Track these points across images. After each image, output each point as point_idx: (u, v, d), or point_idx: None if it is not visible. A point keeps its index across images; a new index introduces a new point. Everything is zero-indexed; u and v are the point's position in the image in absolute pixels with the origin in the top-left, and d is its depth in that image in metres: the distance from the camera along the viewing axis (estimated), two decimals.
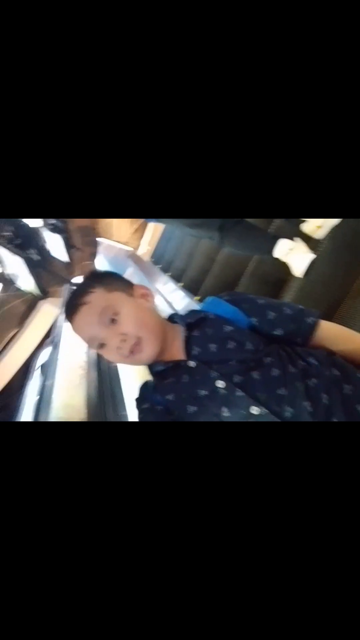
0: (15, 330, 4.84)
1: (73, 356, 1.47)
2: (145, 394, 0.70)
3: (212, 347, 0.63)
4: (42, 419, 1.11)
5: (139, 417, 0.67)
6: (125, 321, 0.64)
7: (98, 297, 0.66)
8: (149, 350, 0.64)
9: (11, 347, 4.49)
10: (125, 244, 4.18)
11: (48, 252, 2.63)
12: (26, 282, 1.95)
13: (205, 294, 2.04)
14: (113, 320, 0.63)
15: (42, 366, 1.87)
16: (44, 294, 1.97)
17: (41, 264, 2.04)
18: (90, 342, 0.66)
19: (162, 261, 3.13)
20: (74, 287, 0.75)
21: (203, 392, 0.60)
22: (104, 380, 1.33)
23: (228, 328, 0.65)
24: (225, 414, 0.57)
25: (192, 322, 0.68)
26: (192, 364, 0.63)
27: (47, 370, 1.42)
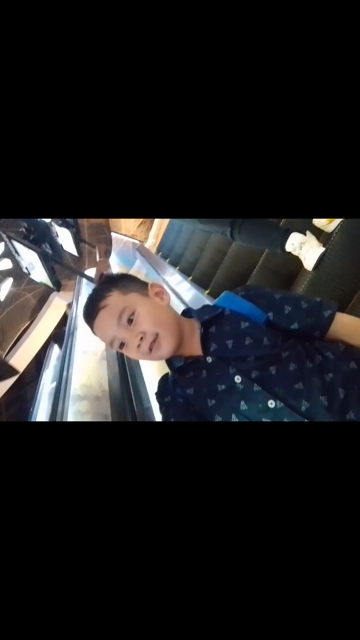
0: (27, 323, 4.92)
1: (89, 342, 1.52)
2: (166, 388, 0.72)
3: (229, 343, 0.65)
4: (60, 406, 1.15)
5: (162, 411, 0.70)
6: (142, 320, 0.66)
7: (115, 300, 0.68)
8: (167, 346, 0.66)
9: (24, 340, 4.58)
10: (132, 237, 4.21)
11: (60, 247, 2.67)
12: (40, 274, 2.00)
13: (216, 288, 2.05)
14: (131, 321, 0.66)
15: (59, 356, 1.92)
16: (57, 286, 2.03)
17: (54, 258, 2.09)
18: (111, 342, 0.68)
19: (172, 254, 3.13)
20: (91, 292, 0.76)
21: (222, 387, 0.62)
22: (123, 361, 1.37)
23: (245, 324, 0.66)
24: (243, 407, 0.60)
25: (208, 319, 0.70)
26: (209, 360, 0.65)
27: (65, 358, 1.46)
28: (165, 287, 0.73)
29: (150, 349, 0.65)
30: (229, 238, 1.42)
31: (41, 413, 2.21)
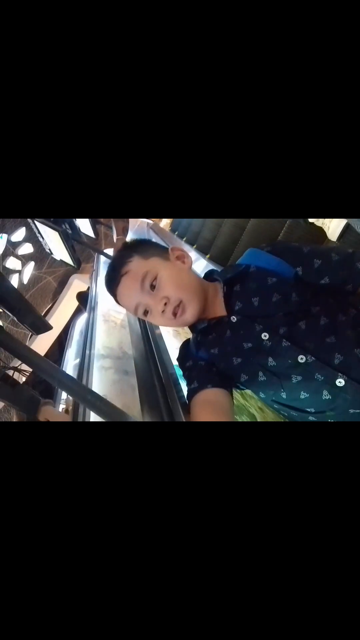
0: (49, 305, 5.08)
1: (110, 312, 1.58)
2: (187, 353, 0.71)
3: (255, 301, 0.62)
4: (85, 362, 1.20)
5: (185, 376, 0.69)
6: (165, 285, 0.64)
7: (136, 266, 0.66)
8: (191, 311, 0.64)
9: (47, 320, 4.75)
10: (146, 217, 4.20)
11: (78, 228, 2.70)
12: (62, 253, 2.07)
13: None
14: (153, 287, 0.64)
15: (82, 330, 1.99)
16: (77, 263, 2.09)
17: (74, 237, 2.15)
18: (135, 310, 0.67)
19: (188, 233, 3.09)
20: (112, 260, 0.75)
21: (248, 345, 0.61)
22: (144, 327, 1.40)
23: (272, 280, 0.62)
24: (271, 363, 0.58)
25: (232, 277, 0.66)
26: (234, 319, 0.63)
27: (87, 330, 1.52)
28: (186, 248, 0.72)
29: (175, 314, 0.63)
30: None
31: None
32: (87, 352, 1.25)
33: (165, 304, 0.63)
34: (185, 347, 0.74)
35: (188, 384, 0.66)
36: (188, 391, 0.65)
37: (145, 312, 0.67)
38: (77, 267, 2.12)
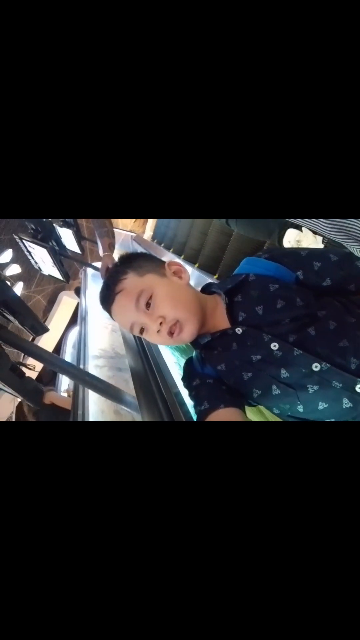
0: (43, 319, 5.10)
1: (100, 320, 1.62)
2: (192, 371, 0.67)
3: (259, 309, 0.59)
4: (81, 360, 1.24)
5: (192, 396, 0.63)
6: (161, 304, 0.61)
7: (131, 284, 0.63)
8: (189, 329, 0.61)
9: (38, 339, 4.74)
10: (130, 231, 4.29)
11: (64, 244, 2.79)
12: (51, 268, 2.16)
13: (225, 271, 1.99)
14: (149, 305, 0.61)
15: (74, 343, 2.04)
16: (66, 278, 2.17)
17: (61, 252, 2.25)
18: (131, 328, 0.64)
19: (174, 244, 3.10)
20: (106, 277, 0.71)
21: (257, 357, 0.57)
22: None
23: (274, 287, 0.59)
24: (284, 375, 0.54)
25: (232, 287, 0.63)
26: (239, 330, 0.59)
27: (80, 339, 1.54)
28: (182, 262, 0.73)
29: (171, 334, 0.60)
30: (227, 224, 1.41)
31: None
32: (82, 354, 1.29)
33: (161, 323, 0.60)
34: (189, 365, 0.69)
35: (197, 405, 0.60)
36: (198, 413, 0.59)
37: (142, 331, 0.64)
38: (66, 281, 2.20)
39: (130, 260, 0.68)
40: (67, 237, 2.58)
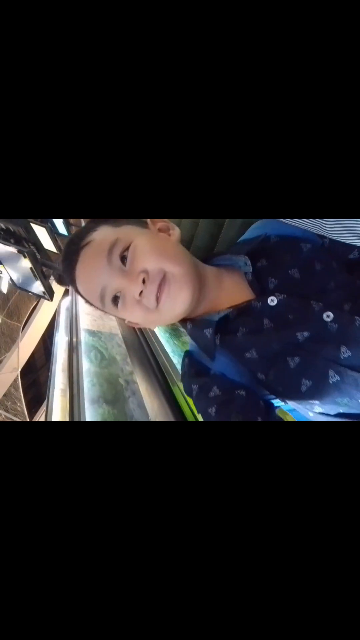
0: (35, 302, 5.20)
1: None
2: (199, 366, 0.48)
3: (294, 272, 0.45)
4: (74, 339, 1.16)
5: (198, 397, 0.46)
6: (142, 255, 0.44)
7: (103, 233, 0.47)
8: (183, 292, 0.43)
9: (31, 321, 4.71)
10: None
11: (45, 250, 2.55)
12: (31, 282, 1.88)
13: None
14: (125, 258, 0.44)
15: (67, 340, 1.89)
16: (51, 294, 1.90)
17: (44, 262, 1.95)
18: (101, 297, 0.46)
19: None
20: (69, 237, 0.54)
21: (304, 335, 0.42)
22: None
23: (306, 246, 0.46)
24: (345, 354, 0.40)
25: (252, 250, 0.48)
26: (273, 300, 0.44)
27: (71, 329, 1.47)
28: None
29: (158, 299, 0.43)
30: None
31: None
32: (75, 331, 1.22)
33: (144, 281, 0.43)
34: (190, 360, 0.50)
35: (218, 414, 0.43)
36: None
37: (115, 300, 0.45)
38: (50, 299, 1.93)
39: (105, 219, 0.50)
40: (42, 236, 2.31)
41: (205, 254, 1.82)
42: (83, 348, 1.19)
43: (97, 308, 0.50)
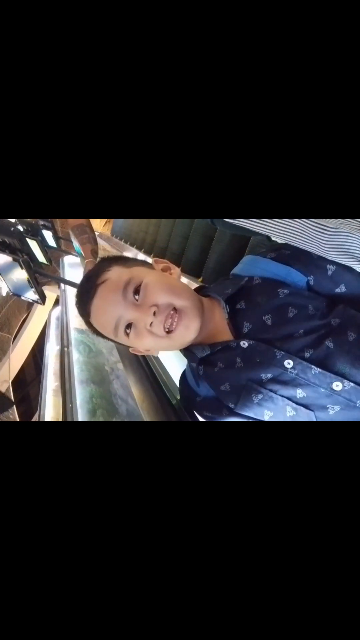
0: (25, 314, 5.10)
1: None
2: (191, 390, 0.58)
3: (267, 319, 0.50)
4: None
5: (200, 414, 0.57)
6: (153, 291, 0.51)
7: (117, 273, 0.54)
8: (191, 321, 0.50)
9: (22, 333, 4.62)
10: (100, 234, 4.22)
11: (37, 258, 2.58)
12: (24, 288, 1.93)
13: (209, 274, 1.94)
14: (138, 293, 0.51)
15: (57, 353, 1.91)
16: (43, 299, 1.95)
17: (36, 270, 2.01)
18: (115, 327, 0.53)
19: (155, 249, 3.05)
20: (86, 273, 0.63)
21: (267, 376, 0.49)
22: None
23: (283, 292, 0.51)
24: (300, 395, 0.47)
25: (233, 293, 0.54)
26: (245, 344, 0.50)
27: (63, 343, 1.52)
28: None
29: (168, 329, 0.50)
30: (212, 223, 1.33)
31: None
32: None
33: (155, 313, 0.50)
34: (186, 383, 0.60)
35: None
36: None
37: (128, 327, 0.52)
38: (42, 303, 1.97)
39: (115, 258, 0.59)
40: (34, 248, 2.36)
41: (196, 265, 1.87)
42: (73, 343, 1.29)
43: (108, 337, 0.58)
